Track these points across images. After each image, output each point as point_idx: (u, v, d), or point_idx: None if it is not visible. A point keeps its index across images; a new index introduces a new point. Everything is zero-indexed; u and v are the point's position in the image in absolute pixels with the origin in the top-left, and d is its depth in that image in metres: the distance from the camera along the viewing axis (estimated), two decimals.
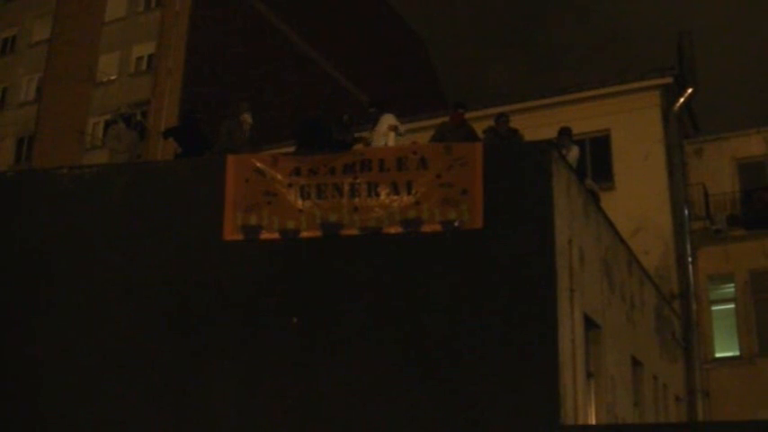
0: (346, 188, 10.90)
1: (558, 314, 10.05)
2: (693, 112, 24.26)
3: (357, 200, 10.84)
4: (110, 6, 33.18)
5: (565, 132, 14.51)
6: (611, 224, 13.72)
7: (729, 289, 21.48)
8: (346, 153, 11.21)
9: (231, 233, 11.00)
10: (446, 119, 14.06)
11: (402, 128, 13.29)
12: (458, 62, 79.42)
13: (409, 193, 10.73)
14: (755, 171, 21.98)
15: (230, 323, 10.84)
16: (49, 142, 32.00)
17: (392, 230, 10.68)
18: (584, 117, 20.88)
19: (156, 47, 31.38)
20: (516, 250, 10.36)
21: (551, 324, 9.97)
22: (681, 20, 69.79)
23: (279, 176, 11.09)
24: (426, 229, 10.58)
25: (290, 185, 11.04)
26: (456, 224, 10.49)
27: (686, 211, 20.42)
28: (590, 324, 11.69)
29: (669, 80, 21.25)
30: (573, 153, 14.12)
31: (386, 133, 12.91)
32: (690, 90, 20.83)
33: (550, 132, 14.64)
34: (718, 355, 20.96)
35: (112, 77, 31.98)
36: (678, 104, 20.96)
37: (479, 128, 14.36)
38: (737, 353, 20.88)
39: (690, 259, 20.09)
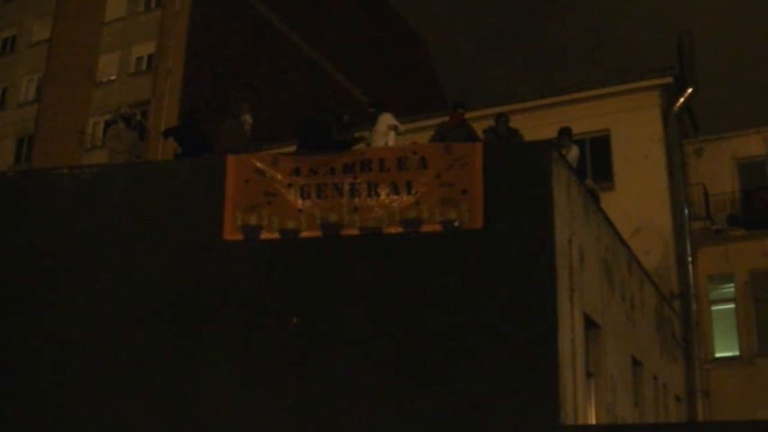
0: (346, 188, 10.90)
1: (558, 314, 10.05)
2: (693, 112, 24.28)
3: (357, 200, 10.84)
4: (110, 6, 33.18)
5: (565, 132, 14.52)
6: (611, 224, 13.72)
7: (729, 289, 21.50)
8: (346, 153, 11.20)
9: (231, 233, 11.00)
10: (446, 119, 14.06)
11: (401, 127, 13.29)
12: (458, 62, 79.47)
13: (409, 193, 10.73)
14: (755, 171, 21.99)
15: (230, 323, 10.83)
16: (49, 142, 31.99)
17: (392, 230, 10.68)
18: (584, 117, 20.91)
19: (155, 47, 31.37)
20: (516, 250, 10.36)
21: (551, 324, 9.97)
22: (681, 20, 69.86)
23: (279, 176, 11.09)
24: (426, 229, 10.58)
25: (290, 185, 11.04)
26: (456, 224, 10.49)
27: (686, 211, 20.43)
28: (590, 324, 11.69)
29: (669, 80, 21.27)
30: (573, 153, 14.13)
31: (386, 133, 12.92)
32: (690, 90, 20.83)
33: (550, 132, 14.65)
34: (718, 355, 20.98)
35: (112, 77, 31.97)
36: (678, 104, 20.97)
37: (479, 128, 14.37)
38: (737, 353, 20.90)
39: (690, 259, 20.10)
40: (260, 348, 10.65)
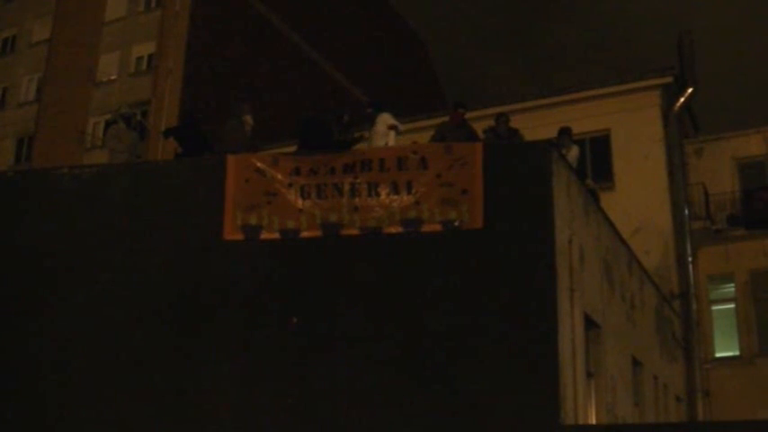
0: (346, 188, 10.90)
1: (558, 314, 10.05)
2: (693, 112, 24.29)
3: (357, 200, 10.84)
4: (110, 6, 33.18)
5: (565, 132, 14.52)
6: (611, 224, 13.72)
7: (729, 289, 21.50)
8: (346, 153, 11.21)
9: (231, 233, 11.00)
10: (446, 119, 14.07)
11: (401, 126, 13.29)
12: (458, 62, 79.49)
13: (409, 193, 10.73)
14: (755, 171, 22.00)
15: (230, 323, 10.83)
16: (49, 142, 32.00)
17: (392, 230, 10.68)
18: (584, 117, 20.90)
19: (155, 47, 31.38)
20: (516, 250, 10.35)
21: (551, 324, 9.97)
22: (681, 20, 69.84)
23: (279, 176, 11.09)
24: (426, 229, 10.58)
25: (290, 185, 11.04)
26: (456, 224, 10.49)
27: (686, 211, 20.41)
28: (590, 324, 11.69)
29: (669, 80, 21.27)
30: (573, 153, 14.14)
31: (386, 133, 12.91)
32: (690, 90, 20.82)
33: (550, 132, 14.65)
34: (718, 354, 20.98)
35: (112, 77, 31.98)
36: (678, 104, 20.96)
37: (479, 128, 14.38)
38: (737, 353, 20.90)
39: (690, 259, 20.09)
40: (260, 348, 10.65)
